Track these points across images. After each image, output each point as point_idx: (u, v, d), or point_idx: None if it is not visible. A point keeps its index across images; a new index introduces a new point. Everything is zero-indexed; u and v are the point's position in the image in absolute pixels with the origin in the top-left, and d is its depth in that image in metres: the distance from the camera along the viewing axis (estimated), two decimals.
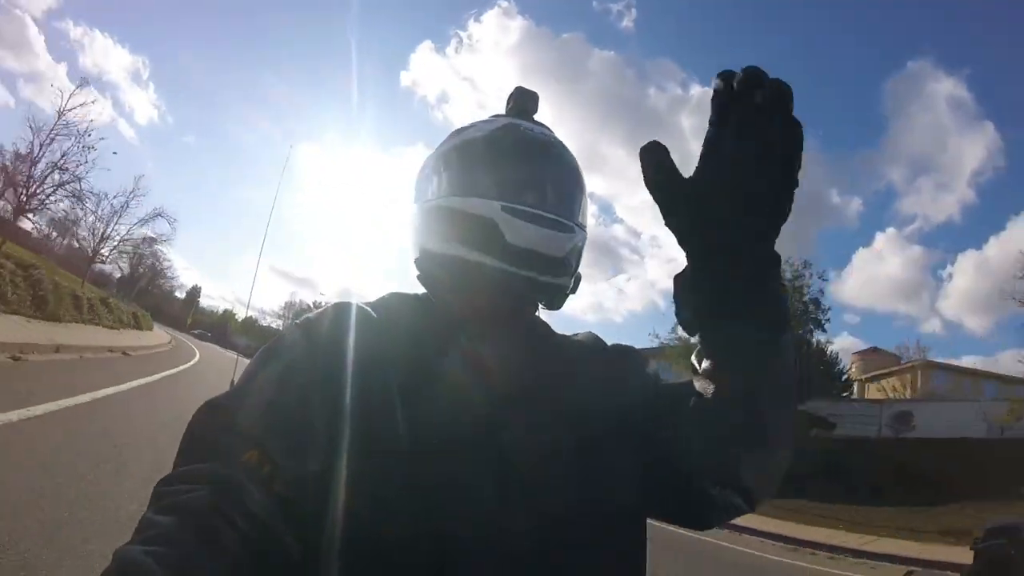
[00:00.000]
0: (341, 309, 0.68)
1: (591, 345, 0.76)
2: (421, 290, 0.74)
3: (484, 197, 0.65)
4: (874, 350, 30.69)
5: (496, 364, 0.65)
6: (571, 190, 0.70)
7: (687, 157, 0.51)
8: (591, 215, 0.80)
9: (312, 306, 59.20)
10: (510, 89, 0.78)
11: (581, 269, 0.72)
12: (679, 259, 0.54)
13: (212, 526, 0.49)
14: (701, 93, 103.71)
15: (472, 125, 0.73)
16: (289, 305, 68.57)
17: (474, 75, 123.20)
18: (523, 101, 0.76)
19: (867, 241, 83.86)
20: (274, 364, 0.64)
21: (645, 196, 0.51)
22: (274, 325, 61.87)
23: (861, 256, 78.98)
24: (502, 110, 0.78)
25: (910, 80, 79.44)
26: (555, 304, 0.71)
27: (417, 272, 0.73)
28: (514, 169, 0.68)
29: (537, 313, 0.75)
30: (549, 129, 0.74)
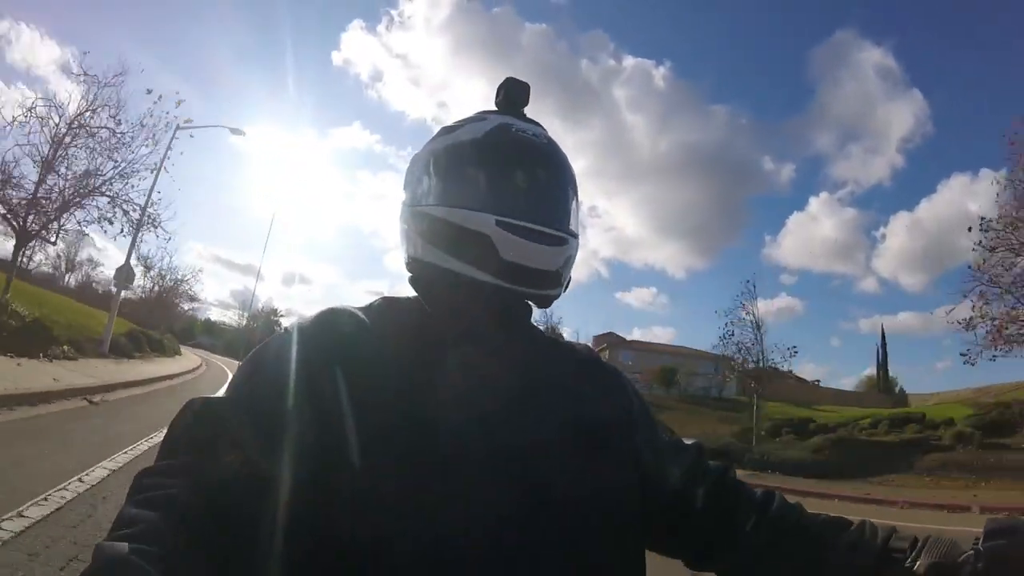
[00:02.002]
0: (332, 314, 0.66)
1: (586, 354, 0.76)
2: (411, 293, 0.72)
3: (477, 210, 0.63)
4: (608, 334, 37.76)
5: (491, 369, 0.64)
6: (566, 198, 0.70)
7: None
8: None
9: (266, 306, 57.64)
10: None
11: None
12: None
13: (196, 523, 0.48)
14: (634, 64, 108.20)
15: (462, 125, 0.70)
16: (238, 294, 67.08)
17: (407, 52, 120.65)
18: (514, 94, 0.73)
19: (801, 205, 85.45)
20: (262, 367, 0.62)
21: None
22: (227, 319, 60.91)
23: (796, 220, 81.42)
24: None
25: (837, 48, 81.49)
26: (545, 305, 0.72)
27: (409, 275, 0.72)
28: (507, 179, 0.66)
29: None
30: (541, 127, 0.72)
